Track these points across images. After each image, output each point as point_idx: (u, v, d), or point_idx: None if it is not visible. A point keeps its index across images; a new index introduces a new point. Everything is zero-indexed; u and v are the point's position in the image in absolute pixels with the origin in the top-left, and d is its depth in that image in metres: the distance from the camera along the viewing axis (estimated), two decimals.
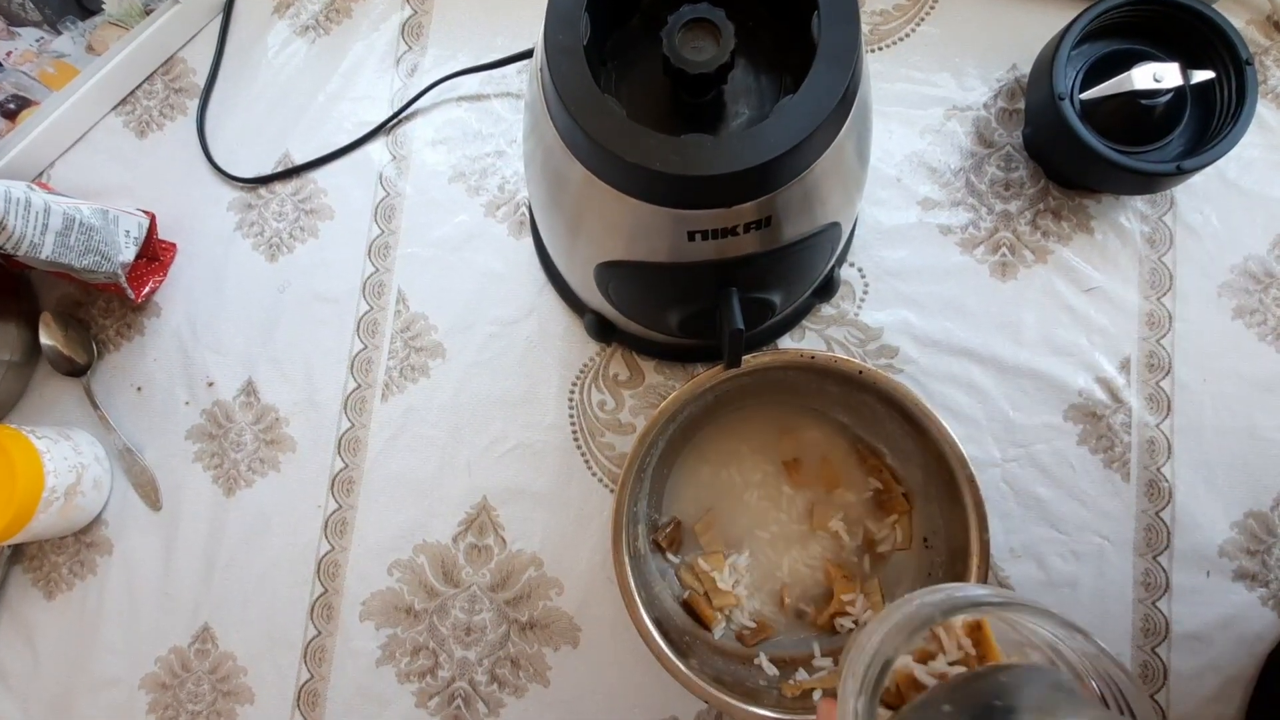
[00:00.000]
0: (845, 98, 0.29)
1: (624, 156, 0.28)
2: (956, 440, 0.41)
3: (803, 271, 0.38)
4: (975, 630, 0.31)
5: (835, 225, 0.36)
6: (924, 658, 0.33)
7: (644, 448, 0.41)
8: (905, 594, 0.41)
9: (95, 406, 0.50)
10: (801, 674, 0.42)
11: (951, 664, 0.32)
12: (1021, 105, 0.50)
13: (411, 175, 0.52)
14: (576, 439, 0.48)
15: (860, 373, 0.41)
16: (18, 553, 0.50)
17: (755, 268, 0.34)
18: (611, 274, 0.36)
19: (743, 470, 0.46)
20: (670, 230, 0.32)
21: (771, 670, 0.42)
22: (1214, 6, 0.45)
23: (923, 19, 0.51)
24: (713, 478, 0.46)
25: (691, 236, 0.32)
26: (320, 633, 0.47)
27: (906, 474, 0.45)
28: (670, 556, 0.45)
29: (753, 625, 0.44)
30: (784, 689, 0.41)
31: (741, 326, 0.34)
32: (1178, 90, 0.43)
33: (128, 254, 0.48)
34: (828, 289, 0.47)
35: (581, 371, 0.49)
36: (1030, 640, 0.30)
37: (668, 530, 0.45)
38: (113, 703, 0.48)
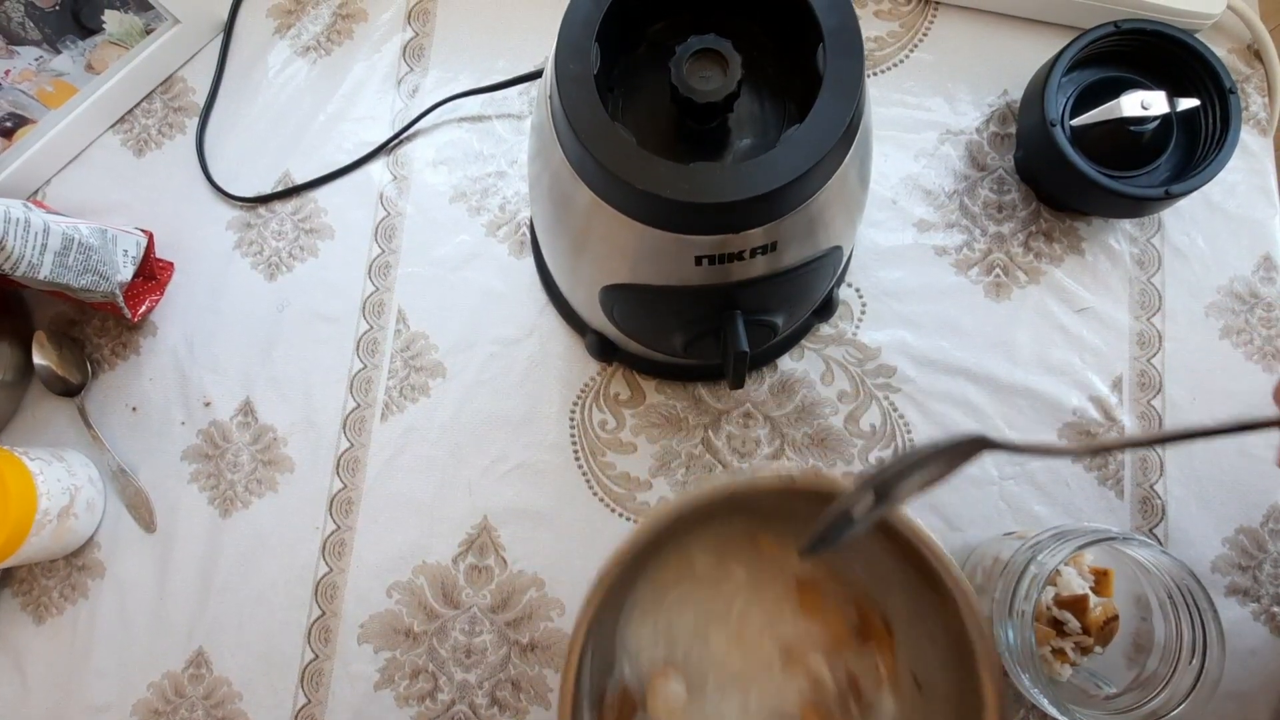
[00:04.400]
0: (849, 128, 0.30)
1: (634, 184, 0.28)
2: (951, 561, 0.34)
3: (805, 294, 0.39)
4: (1102, 575, 0.40)
5: (837, 249, 0.36)
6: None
7: (592, 611, 0.33)
8: None
9: (89, 427, 0.49)
10: None
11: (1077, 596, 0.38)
12: (1013, 130, 0.51)
13: (412, 195, 0.52)
14: (578, 458, 0.48)
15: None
16: (7, 576, 0.49)
17: (760, 291, 0.34)
18: (616, 296, 0.37)
19: (705, 601, 0.38)
20: (677, 255, 0.32)
21: None
22: (1197, 36, 0.46)
23: (916, 45, 0.53)
24: (672, 613, 0.38)
25: (698, 261, 0.32)
26: (318, 656, 0.47)
27: (886, 598, 0.37)
28: None
29: None
30: None
31: (746, 349, 0.35)
32: (1164, 117, 0.44)
33: (126, 273, 0.47)
34: (827, 309, 0.48)
35: (583, 391, 0.49)
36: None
37: (615, 707, 0.36)
38: None
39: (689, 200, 0.28)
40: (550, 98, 0.31)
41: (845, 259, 0.44)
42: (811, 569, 0.38)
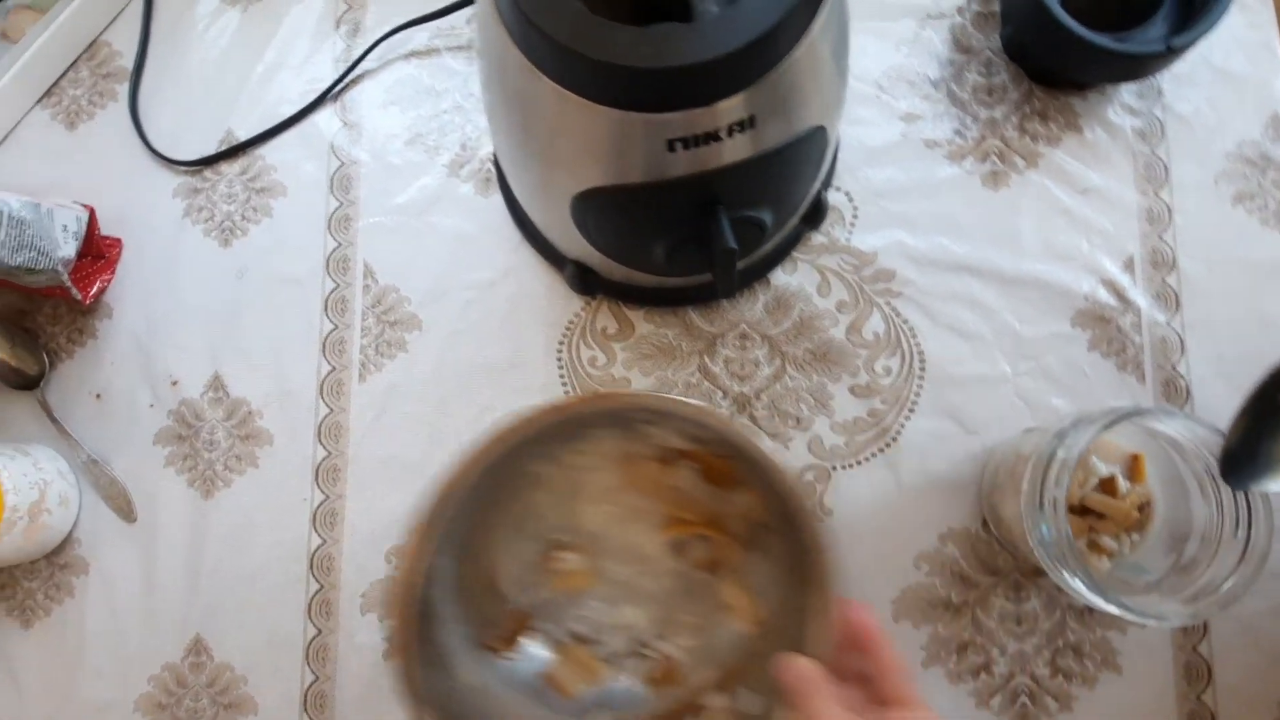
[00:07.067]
0: None
1: (589, 54, 0.26)
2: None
3: (791, 184, 0.36)
4: (1133, 460, 0.39)
5: (821, 129, 0.33)
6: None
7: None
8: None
9: (53, 419, 0.47)
10: None
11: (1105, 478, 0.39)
12: (996, 8, 0.48)
13: (365, 141, 0.49)
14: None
15: (618, 404, 0.32)
16: None
17: (742, 179, 0.32)
18: (589, 206, 0.34)
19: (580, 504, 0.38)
20: (648, 142, 0.29)
21: None
22: None
23: None
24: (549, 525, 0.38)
25: (671, 146, 0.29)
26: (321, 631, 0.45)
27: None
28: (509, 655, 0.37)
29: (661, 661, 0.37)
30: None
31: (734, 245, 0.32)
32: None
33: (68, 250, 0.44)
34: (816, 215, 0.45)
35: (568, 329, 0.46)
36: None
37: (498, 620, 0.36)
38: None
39: (652, 66, 0.25)
40: None
41: (831, 154, 0.41)
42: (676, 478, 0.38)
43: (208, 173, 0.49)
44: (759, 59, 0.27)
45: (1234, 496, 0.35)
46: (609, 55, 0.25)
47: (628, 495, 0.38)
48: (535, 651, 0.37)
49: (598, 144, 0.30)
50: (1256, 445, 0.32)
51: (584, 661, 0.37)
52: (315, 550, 0.45)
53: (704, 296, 0.45)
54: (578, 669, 0.37)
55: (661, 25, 0.26)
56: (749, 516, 0.37)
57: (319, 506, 0.46)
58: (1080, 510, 0.40)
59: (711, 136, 0.29)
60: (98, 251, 0.47)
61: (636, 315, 0.46)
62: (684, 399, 0.32)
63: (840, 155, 0.47)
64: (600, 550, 0.38)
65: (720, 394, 0.45)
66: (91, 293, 0.47)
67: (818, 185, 0.41)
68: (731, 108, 0.28)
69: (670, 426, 0.35)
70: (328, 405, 0.47)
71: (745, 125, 0.29)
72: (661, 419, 0.34)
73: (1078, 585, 0.34)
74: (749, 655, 0.36)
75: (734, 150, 0.30)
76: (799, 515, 0.31)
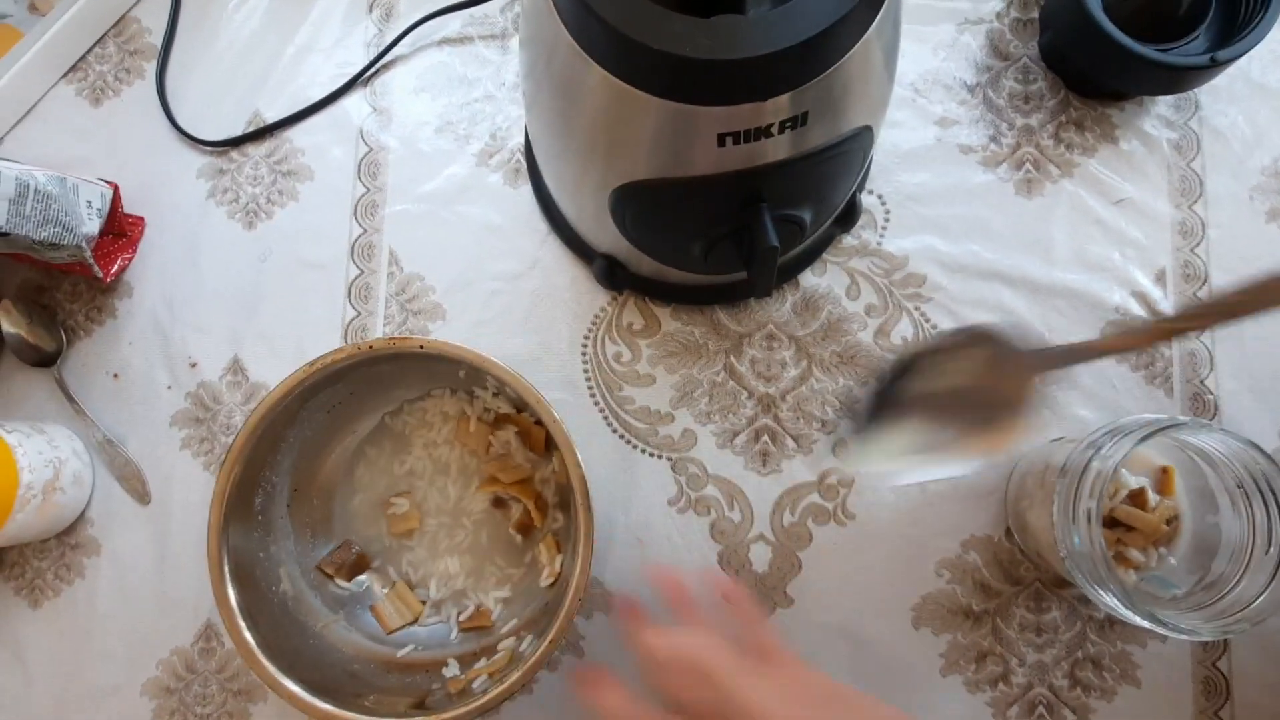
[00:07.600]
0: None
1: (648, 44, 0.25)
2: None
3: (834, 183, 0.35)
4: (1161, 473, 0.40)
5: (868, 129, 0.33)
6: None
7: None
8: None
9: (69, 398, 0.46)
10: (483, 663, 0.39)
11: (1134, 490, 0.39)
12: (1035, 15, 0.48)
13: (395, 127, 0.48)
14: (594, 395, 0.45)
15: (421, 347, 0.38)
16: None
17: (787, 176, 0.31)
18: (630, 199, 0.34)
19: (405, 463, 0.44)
20: (698, 135, 0.29)
21: (455, 670, 0.39)
22: None
23: None
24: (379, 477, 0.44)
25: (722, 141, 0.29)
26: None
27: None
28: (342, 583, 0.42)
29: (473, 609, 0.42)
30: (450, 685, 0.38)
31: (776, 243, 0.32)
32: None
33: (91, 226, 0.44)
34: (849, 217, 0.44)
35: (593, 323, 0.46)
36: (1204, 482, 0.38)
37: (344, 558, 0.42)
38: (114, 712, 0.44)
39: (713, 58, 0.25)
40: None
41: (868, 158, 0.41)
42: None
43: (234, 154, 0.49)
44: (819, 55, 0.26)
45: (1266, 510, 0.35)
46: (668, 45, 0.25)
47: (456, 453, 0.44)
48: (369, 586, 0.43)
49: (646, 136, 0.30)
50: (869, 423, 0.34)
51: (408, 602, 0.42)
52: None
53: (732, 295, 0.45)
54: (401, 607, 0.42)
55: (721, 17, 0.25)
56: (558, 480, 0.42)
57: None
58: (1109, 522, 0.39)
59: (762, 132, 0.28)
60: (120, 229, 0.47)
61: (663, 312, 0.46)
62: (469, 348, 0.38)
63: (875, 157, 0.47)
64: (427, 502, 0.44)
65: (746, 394, 0.45)
66: (112, 271, 0.46)
67: (856, 183, 0.41)
68: (786, 103, 0.28)
69: (487, 386, 0.42)
70: None
71: (797, 122, 0.29)
72: (476, 372, 0.39)
73: (1109, 598, 0.34)
74: (544, 606, 0.41)
75: (782, 147, 0.30)
76: (568, 461, 0.36)
